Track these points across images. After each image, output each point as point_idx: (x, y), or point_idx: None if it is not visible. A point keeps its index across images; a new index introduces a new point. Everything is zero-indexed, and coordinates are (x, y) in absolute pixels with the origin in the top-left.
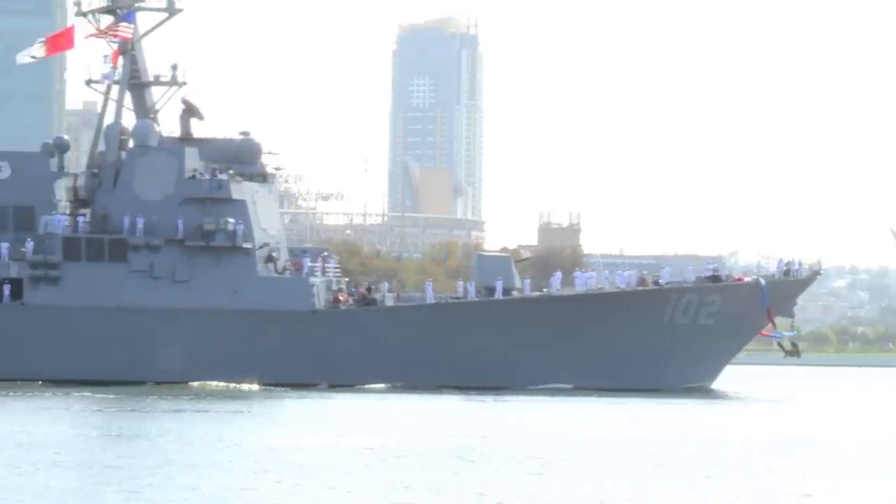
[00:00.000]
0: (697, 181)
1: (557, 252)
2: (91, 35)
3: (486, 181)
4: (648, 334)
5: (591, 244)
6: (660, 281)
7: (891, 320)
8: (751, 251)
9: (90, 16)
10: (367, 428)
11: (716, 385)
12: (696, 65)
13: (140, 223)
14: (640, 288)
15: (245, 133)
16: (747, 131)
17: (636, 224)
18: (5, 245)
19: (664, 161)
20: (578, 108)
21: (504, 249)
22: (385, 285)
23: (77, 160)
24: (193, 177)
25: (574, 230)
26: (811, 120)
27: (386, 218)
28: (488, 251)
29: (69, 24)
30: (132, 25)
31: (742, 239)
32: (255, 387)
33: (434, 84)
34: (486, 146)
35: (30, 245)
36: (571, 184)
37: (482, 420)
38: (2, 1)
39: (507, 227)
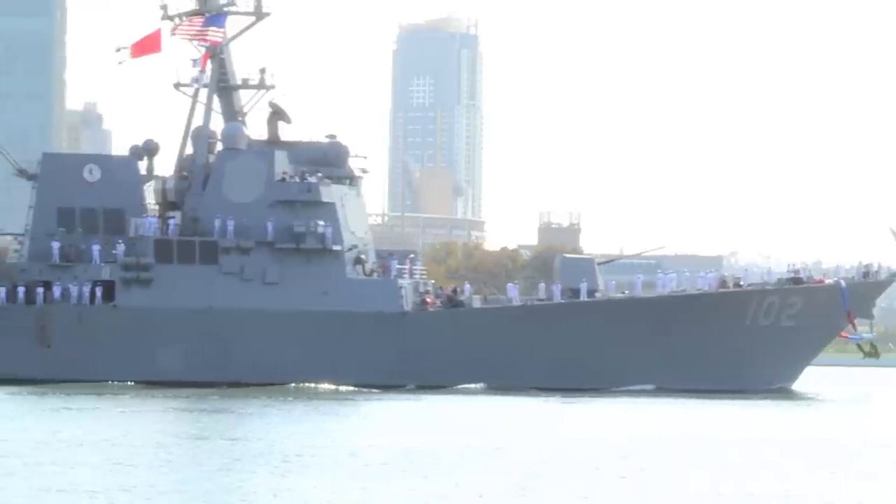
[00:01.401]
0: (697, 181)
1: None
2: (182, 38)
3: (486, 181)
4: (730, 336)
5: (591, 244)
6: (741, 283)
7: (890, 321)
8: (751, 251)
9: (176, 19)
10: (468, 427)
11: (796, 386)
12: (695, 65)
13: (230, 226)
14: (722, 290)
15: (331, 136)
16: (747, 131)
17: (636, 224)
18: (96, 248)
19: (664, 161)
20: (578, 108)
21: (504, 249)
22: (468, 287)
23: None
24: (283, 179)
25: (574, 230)
26: (811, 120)
27: (386, 218)
28: (571, 254)
29: (156, 28)
30: (222, 29)
31: (742, 239)
32: (344, 388)
33: (434, 84)
34: (485, 146)
35: (121, 248)
36: (571, 184)
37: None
38: (2, 1)
39: (507, 227)
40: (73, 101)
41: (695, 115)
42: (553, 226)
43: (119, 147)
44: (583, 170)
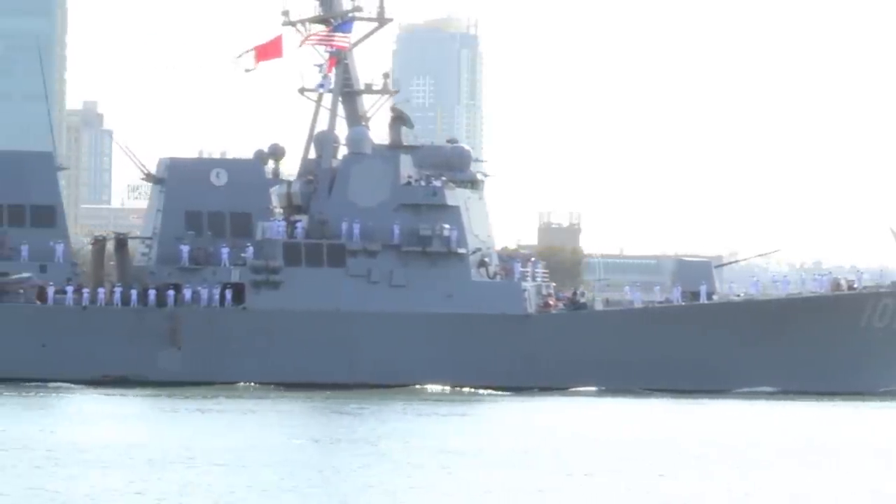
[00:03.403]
0: (697, 181)
1: (558, 251)
2: (309, 43)
3: (486, 181)
4: (846, 338)
5: (591, 244)
6: (854, 285)
7: None
8: (751, 251)
9: (299, 25)
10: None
11: None
12: (695, 65)
13: (357, 229)
14: (837, 293)
15: (453, 140)
16: (747, 131)
17: (636, 224)
18: (225, 250)
19: (664, 162)
20: (578, 109)
21: (504, 249)
22: (583, 289)
23: (79, 160)
24: (408, 183)
25: (574, 230)
26: (811, 120)
27: None
28: (689, 256)
29: (278, 34)
30: (349, 35)
31: (742, 239)
32: (469, 389)
33: (434, 84)
34: (485, 146)
35: (250, 250)
36: (571, 184)
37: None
38: (2, 1)
39: (506, 227)
40: (73, 101)
41: (695, 116)
42: (553, 226)
43: (118, 147)
44: (583, 170)
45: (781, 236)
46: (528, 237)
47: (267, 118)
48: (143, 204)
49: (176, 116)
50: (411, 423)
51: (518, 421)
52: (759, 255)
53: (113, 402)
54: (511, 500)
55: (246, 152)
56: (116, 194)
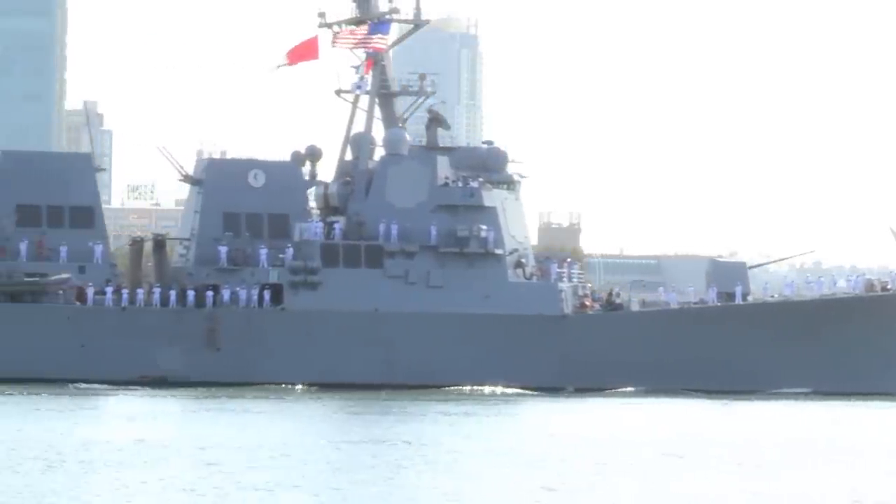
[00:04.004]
0: (697, 181)
1: (558, 252)
2: (346, 46)
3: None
4: (881, 339)
5: (591, 244)
6: (888, 286)
7: None
8: (751, 251)
9: (335, 26)
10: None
11: None
12: (695, 65)
13: (395, 230)
14: (871, 294)
15: (489, 142)
16: (747, 131)
17: (636, 224)
18: (264, 252)
19: (664, 162)
20: (578, 109)
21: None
22: (618, 290)
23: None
24: (445, 184)
25: (574, 230)
26: (811, 120)
27: None
28: (721, 258)
29: (313, 35)
30: (387, 36)
31: (742, 239)
32: (508, 390)
33: (434, 84)
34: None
35: (288, 252)
36: (571, 184)
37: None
38: (2, 1)
39: None
40: (73, 101)
41: (695, 116)
42: (553, 226)
43: (119, 148)
44: (583, 170)
45: (781, 236)
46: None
47: (299, 119)
48: (143, 204)
49: (212, 118)
50: (447, 423)
51: (553, 422)
52: (793, 257)
53: (151, 402)
54: (543, 501)
55: (282, 154)
56: (116, 194)
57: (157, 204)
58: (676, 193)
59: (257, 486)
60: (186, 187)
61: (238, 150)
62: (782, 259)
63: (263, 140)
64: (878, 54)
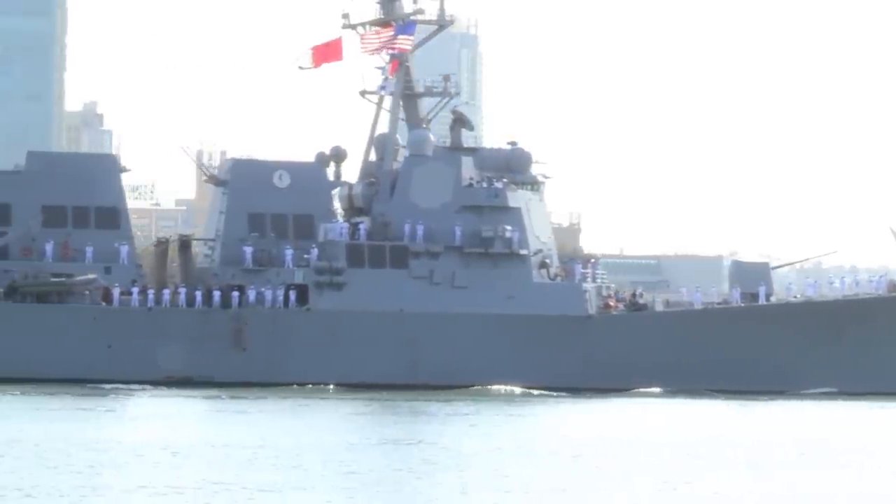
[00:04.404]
0: (697, 181)
1: (558, 251)
2: (372, 48)
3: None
4: None
5: (592, 244)
6: None
7: None
8: (751, 251)
9: (359, 28)
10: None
11: None
12: (695, 65)
13: (420, 230)
14: (893, 294)
15: (513, 143)
16: (747, 132)
17: (636, 224)
18: (289, 252)
19: (664, 161)
20: (578, 109)
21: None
22: (641, 290)
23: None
24: (470, 185)
25: (574, 230)
26: (811, 120)
27: None
28: (744, 258)
29: (337, 37)
30: (412, 37)
31: (742, 239)
32: (531, 391)
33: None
34: (486, 145)
35: (313, 252)
36: (571, 184)
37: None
38: (2, 1)
39: None
40: (73, 101)
41: (695, 116)
42: (553, 226)
43: (119, 147)
44: (583, 170)
45: (781, 236)
46: None
47: (323, 120)
48: (143, 204)
49: (238, 119)
50: (470, 423)
51: (571, 422)
52: (816, 257)
53: (176, 402)
54: (565, 501)
55: (305, 155)
56: None
57: (157, 204)
58: (677, 193)
59: (273, 488)
60: (187, 187)
61: (261, 151)
62: (805, 260)
63: (286, 141)
64: (878, 54)
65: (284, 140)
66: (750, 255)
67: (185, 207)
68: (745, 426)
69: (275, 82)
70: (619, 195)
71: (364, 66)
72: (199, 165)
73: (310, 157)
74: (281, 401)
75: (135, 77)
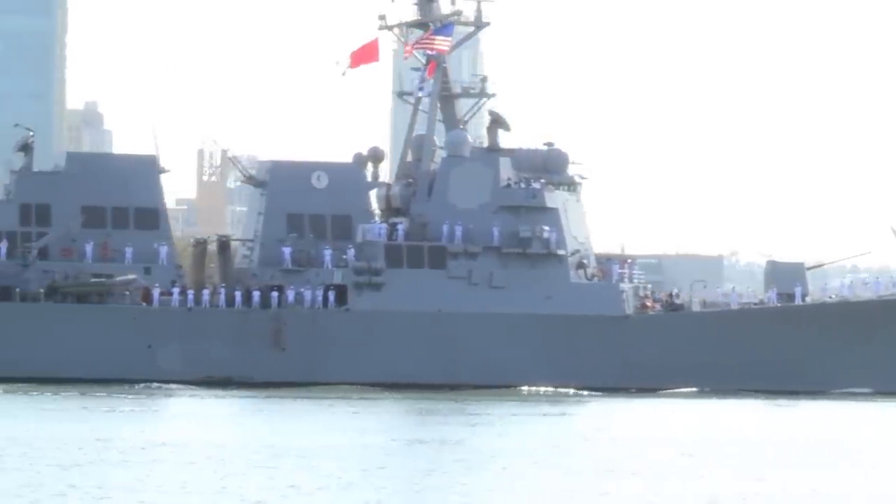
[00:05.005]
0: (697, 181)
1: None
2: (410, 49)
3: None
4: None
5: (592, 244)
6: None
7: None
8: (751, 251)
9: (396, 29)
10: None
11: None
12: (695, 65)
13: (458, 231)
14: None
15: (549, 143)
16: (747, 132)
17: (636, 224)
18: (328, 252)
19: (664, 161)
20: (578, 109)
21: None
22: (677, 290)
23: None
24: (508, 185)
25: None
26: (810, 120)
27: None
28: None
29: (374, 38)
30: (450, 39)
31: (742, 239)
32: (568, 390)
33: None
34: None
35: (351, 252)
36: None
37: None
38: (2, 1)
39: None
40: (74, 100)
41: (695, 116)
42: None
43: (119, 147)
44: (582, 170)
45: (781, 235)
46: None
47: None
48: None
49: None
50: (508, 423)
51: (613, 422)
52: (852, 257)
53: (216, 402)
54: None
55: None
56: None
57: None
58: (676, 193)
59: (314, 488)
60: (188, 187)
61: (299, 153)
62: (839, 260)
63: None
64: (878, 54)
65: (318, 142)
66: (750, 255)
67: (185, 207)
68: (794, 426)
69: (309, 84)
70: (619, 195)
71: (401, 67)
72: (238, 167)
73: (344, 158)
74: (319, 400)
75: (135, 76)
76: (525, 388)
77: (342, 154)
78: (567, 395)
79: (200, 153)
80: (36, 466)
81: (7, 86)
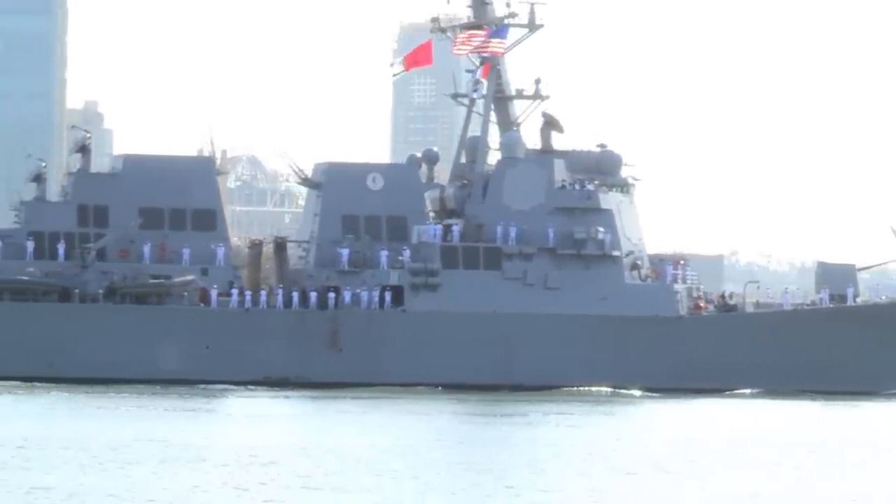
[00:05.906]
0: (697, 181)
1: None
2: (465, 51)
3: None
4: None
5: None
6: None
7: None
8: (751, 251)
9: (449, 31)
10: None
11: None
12: (695, 65)
13: (513, 232)
14: None
15: (602, 145)
16: (747, 131)
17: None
18: (384, 254)
19: (664, 161)
20: (579, 109)
21: None
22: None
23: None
24: (563, 187)
25: None
26: (811, 120)
27: None
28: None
29: (427, 40)
30: (504, 41)
31: (742, 239)
32: (623, 391)
33: (434, 84)
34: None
35: (407, 254)
36: None
37: None
38: (2, 1)
39: None
40: (74, 100)
41: (695, 116)
42: None
43: (119, 147)
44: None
45: (781, 235)
46: None
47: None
48: None
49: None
50: (565, 424)
51: (667, 422)
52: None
53: (274, 403)
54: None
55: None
56: None
57: None
58: (676, 193)
59: (357, 486)
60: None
61: (351, 155)
62: (889, 262)
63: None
64: (878, 54)
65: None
66: (750, 255)
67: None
68: (844, 427)
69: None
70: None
71: (456, 69)
72: (293, 168)
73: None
74: (377, 401)
75: (135, 76)
76: (580, 388)
77: (341, 155)
78: (619, 395)
79: (200, 153)
80: (90, 468)
81: (7, 86)
